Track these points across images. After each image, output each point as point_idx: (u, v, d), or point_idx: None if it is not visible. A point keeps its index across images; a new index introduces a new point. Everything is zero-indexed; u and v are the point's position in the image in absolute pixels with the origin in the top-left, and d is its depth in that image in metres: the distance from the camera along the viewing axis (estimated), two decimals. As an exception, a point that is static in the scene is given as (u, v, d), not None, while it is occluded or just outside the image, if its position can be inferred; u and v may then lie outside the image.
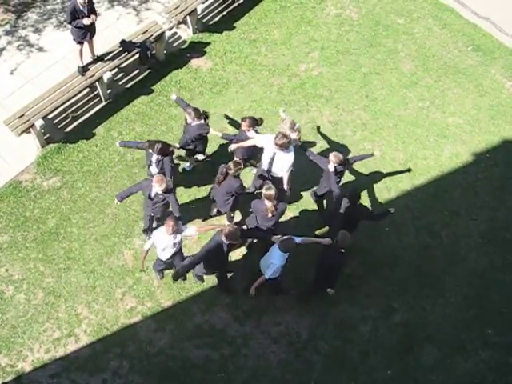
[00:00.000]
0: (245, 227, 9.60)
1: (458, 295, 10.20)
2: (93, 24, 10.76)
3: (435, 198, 11.11)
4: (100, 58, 11.38)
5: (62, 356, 9.09)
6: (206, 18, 13.19)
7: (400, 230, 10.73)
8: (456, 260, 10.50)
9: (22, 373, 8.91)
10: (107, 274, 9.83)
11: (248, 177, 10.70)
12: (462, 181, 11.40)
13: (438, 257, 10.53)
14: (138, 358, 9.17)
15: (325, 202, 10.59)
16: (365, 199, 10.92)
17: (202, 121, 9.89)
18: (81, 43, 10.96)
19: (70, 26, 10.79)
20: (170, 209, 9.27)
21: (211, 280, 9.87)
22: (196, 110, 9.82)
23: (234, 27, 13.06)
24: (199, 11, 12.90)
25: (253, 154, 10.38)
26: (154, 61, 12.24)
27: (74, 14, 10.41)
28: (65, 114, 11.36)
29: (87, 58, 11.34)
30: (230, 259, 9.45)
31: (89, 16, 10.50)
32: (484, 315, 10.05)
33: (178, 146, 9.99)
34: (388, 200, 11.03)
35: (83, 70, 11.17)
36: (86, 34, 10.84)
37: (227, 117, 11.63)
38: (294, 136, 9.71)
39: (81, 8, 10.35)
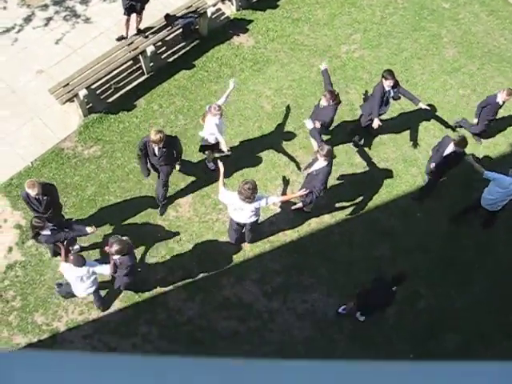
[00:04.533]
0: None
1: (486, 286, 10.22)
2: None
3: (468, 188, 11.02)
4: (143, 31, 11.59)
5: (94, 319, 9.43)
6: (251, -4, 13.24)
7: (431, 217, 10.75)
8: (487, 251, 10.49)
9: (56, 332, 9.30)
10: (141, 242, 10.12)
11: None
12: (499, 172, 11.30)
13: (469, 246, 10.53)
14: (167, 325, 9.47)
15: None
16: (399, 184, 10.99)
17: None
18: (127, 15, 11.21)
19: None
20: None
21: (242, 255, 10.11)
22: (331, 91, 9.95)
23: (278, 5, 13.09)
24: (244, -12, 12.96)
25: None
26: (197, 36, 12.39)
27: None
28: (107, 85, 11.60)
29: (132, 31, 11.58)
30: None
31: None
32: (510, 307, 10.06)
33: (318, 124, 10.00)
34: (421, 186, 11.04)
35: (122, 38, 11.60)
36: (132, 6, 11.06)
37: (266, 95, 11.76)
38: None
39: None
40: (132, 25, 11.45)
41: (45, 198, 8.80)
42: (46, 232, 8.45)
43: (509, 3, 13.60)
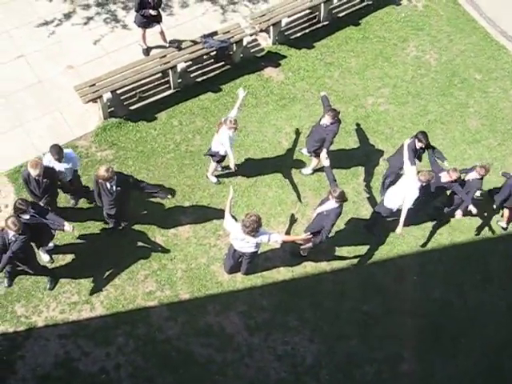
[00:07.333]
0: None
1: (470, 360, 10.04)
2: (158, 15, 11.56)
3: (470, 259, 10.96)
4: (177, 46, 11.72)
5: (74, 320, 9.37)
6: (288, 32, 13.39)
7: (428, 282, 10.64)
8: (476, 325, 10.34)
9: (33, 326, 9.23)
10: (135, 253, 10.09)
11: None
12: (502, 248, 11.23)
13: (459, 317, 10.39)
14: (144, 340, 9.37)
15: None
16: (401, 244, 10.92)
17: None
18: (142, 28, 11.79)
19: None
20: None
21: (232, 285, 10.03)
22: (335, 110, 10.29)
23: (313, 47, 13.23)
24: (283, 24, 13.12)
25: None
26: (229, 61, 12.51)
27: (142, 4, 11.23)
28: (133, 93, 11.73)
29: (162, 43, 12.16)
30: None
31: (154, 8, 11.33)
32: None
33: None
34: (422, 250, 10.97)
35: (147, 51, 12.14)
36: (148, 23, 11.65)
37: (286, 132, 11.82)
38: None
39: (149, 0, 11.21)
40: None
41: (44, 180, 8.84)
42: (25, 216, 8.40)
43: (540, 86, 13.67)
